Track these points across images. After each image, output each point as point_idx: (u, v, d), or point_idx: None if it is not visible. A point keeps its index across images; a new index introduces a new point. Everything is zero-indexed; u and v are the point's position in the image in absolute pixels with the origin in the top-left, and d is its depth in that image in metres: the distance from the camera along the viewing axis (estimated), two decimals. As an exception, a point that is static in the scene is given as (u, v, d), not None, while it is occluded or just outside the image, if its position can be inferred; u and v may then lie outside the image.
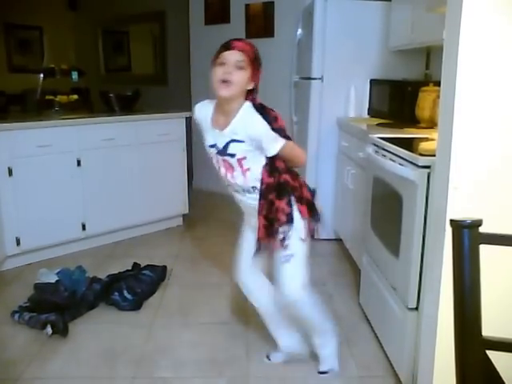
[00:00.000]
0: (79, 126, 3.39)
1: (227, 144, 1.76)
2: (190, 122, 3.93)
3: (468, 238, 0.90)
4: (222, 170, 1.85)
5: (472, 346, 0.92)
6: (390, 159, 2.17)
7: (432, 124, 2.74)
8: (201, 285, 3.03)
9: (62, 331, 2.38)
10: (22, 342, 2.36)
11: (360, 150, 2.89)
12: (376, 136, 2.50)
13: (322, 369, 2.13)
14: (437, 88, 2.65)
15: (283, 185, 1.81)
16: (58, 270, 2.81)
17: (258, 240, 1.85)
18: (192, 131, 4.28)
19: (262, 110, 1.72)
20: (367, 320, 2.56)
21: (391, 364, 2.16)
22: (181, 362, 2.23)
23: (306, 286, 1.93)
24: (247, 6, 4.67)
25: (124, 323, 2.55)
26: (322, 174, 3.76)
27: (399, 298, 2.06)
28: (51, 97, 4.23)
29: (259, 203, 1.81)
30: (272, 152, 1.75)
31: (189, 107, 3.59)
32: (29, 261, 3.25)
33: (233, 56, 1.68)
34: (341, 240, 3.57)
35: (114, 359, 2.23)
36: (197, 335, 2.45)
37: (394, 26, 3.39)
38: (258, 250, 1.86)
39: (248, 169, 1.78)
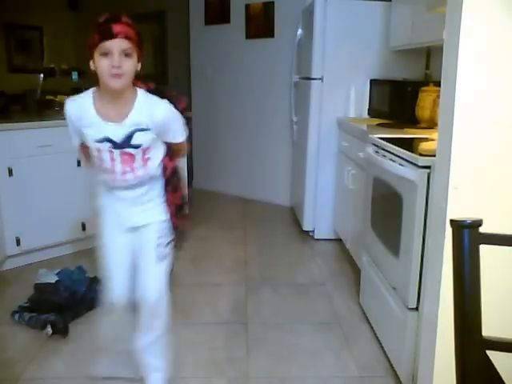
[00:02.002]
0: (79, 126, 3.39)
1: (131, 135, 1.62)
2: (189, 122, 3.92)
3: (468, 237, 0.90)
4: (118, 166, 1.67)
5: (472, 345, 0.92)
6: (390, 159, 2.17)
7: (432, 124, 2.74)
8: (201, 285, 3.03)
9: (62, 331, 2.38)
10: (22, 342, 2.37)
11: (360, 150, 2.89)
12: (376, 136, 2.50)
13: None
14: (437, 88, 2.65)
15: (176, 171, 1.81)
16: (58, 270, 2.81)
17: (176, 228, 1.79)
18: (192, 131, 4.27)
19: (161, 94, 1.65)
20: (367, 320, 2.56)
21: (391, 364, 2.16)
22: (181, 362, 2.23)
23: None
24: (247, 6, 4.66)
25: (124, 323, 2.55)
26: (322, 173, 3.76)
27: (399, 298, 2.06)
28: (51, 97, 4.22)
29: (166, 190, 1.79)
30: (182, 135, 1.75)
31: (189, 107, 3.58)
32: (29, 261, 3.25)
33: (118, 45, 1.50)
34: (341, 240, 3.57)
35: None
36: (197, 335, 2.45)
37: (394, 26, 3.39)
38: (176, 245, 1.81)
39: (149, 158, 1.70)
